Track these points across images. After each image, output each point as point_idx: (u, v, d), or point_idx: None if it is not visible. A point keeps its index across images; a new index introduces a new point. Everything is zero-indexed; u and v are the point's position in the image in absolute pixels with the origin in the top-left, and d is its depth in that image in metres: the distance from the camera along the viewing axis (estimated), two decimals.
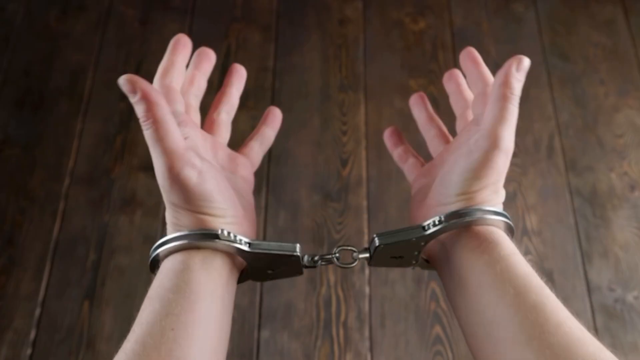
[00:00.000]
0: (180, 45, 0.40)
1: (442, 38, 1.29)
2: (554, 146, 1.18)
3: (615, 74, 1.26)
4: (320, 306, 1.02)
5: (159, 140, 0.34)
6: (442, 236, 0.38)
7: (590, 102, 1.23)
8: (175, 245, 0.35)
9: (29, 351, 0.97)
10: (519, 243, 1.08)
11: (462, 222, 0.36)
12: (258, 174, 1.14)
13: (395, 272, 1.04)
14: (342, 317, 1.01)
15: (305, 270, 0.40)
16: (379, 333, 1.00)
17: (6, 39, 1.26)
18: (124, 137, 1.16)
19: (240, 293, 1.02)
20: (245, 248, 0.35)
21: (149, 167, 1.13)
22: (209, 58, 0.42)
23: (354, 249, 0.38)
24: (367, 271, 1.04)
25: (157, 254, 0.36)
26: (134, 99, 0.34)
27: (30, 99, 1.20)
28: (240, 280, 0.39)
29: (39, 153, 1.14)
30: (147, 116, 0.34)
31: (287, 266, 0.37)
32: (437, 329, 1.00)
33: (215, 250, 0.35)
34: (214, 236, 0.35)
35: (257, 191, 1.11)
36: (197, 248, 0.35)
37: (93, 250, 1.05)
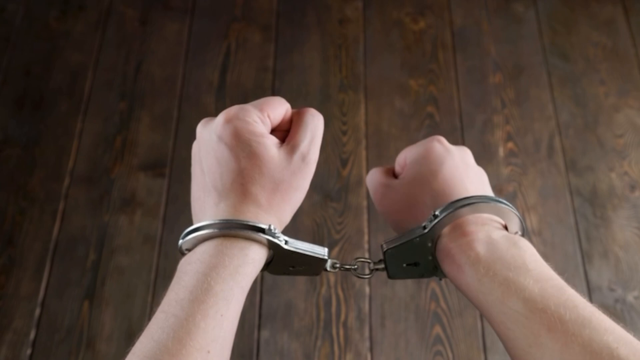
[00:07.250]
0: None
1: (442, 38, 1.29)
2: (554, 146, 1.17)
3: (615, 74, 1.26)
4: (320, 306, 1.02)
5: None
6: (445, 243, 0.37)
7: (590, 102, 1.23)
8: (221, 232, 0.35)
9: (29, 351, 0.97)
10: None
11: (457, 211, 0.36)
12: None
13: None
14: (342, 317, 1.01)
15: None
16: (379, 333, 1.00)
17: (6, 39, 1.26)
18: (124, 137, 1.16)
19: None
20: (283, 245, 0.37)
21: (149, 167, 1.13)
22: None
23: (369, 260, 0.41)
24: (366, 271, 1.04)
25: (197, 235, 0.35)
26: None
27: (30, 99, 1.20)
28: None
29: (39, 153, 1.14)
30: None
31: (309, 266, 0.39)
32: (437, 329, 1.00)
33: (254, 240, 0.36)
34: (261, 230, 0.35)
35: None
36: (236, 237, 0.35)
37: (93, 250, 1.05)
